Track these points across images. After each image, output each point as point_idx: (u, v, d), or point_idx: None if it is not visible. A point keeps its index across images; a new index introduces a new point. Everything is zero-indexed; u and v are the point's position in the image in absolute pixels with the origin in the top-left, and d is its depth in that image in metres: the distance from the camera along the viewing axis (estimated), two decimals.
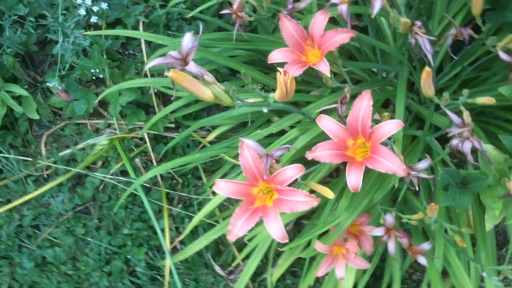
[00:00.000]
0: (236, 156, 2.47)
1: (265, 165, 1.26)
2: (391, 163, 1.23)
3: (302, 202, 1.25)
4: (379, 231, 1.62)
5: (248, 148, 1.30)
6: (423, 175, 1.29)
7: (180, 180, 2.44)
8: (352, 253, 1.79)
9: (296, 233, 2.39)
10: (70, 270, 2.32)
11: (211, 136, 2.46)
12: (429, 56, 1.36)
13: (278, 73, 1.19)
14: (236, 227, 1.27)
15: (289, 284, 2.32)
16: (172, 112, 2.48)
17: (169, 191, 2.38)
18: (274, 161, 1.32)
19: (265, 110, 1.30)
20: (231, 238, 1.27)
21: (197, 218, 2.07)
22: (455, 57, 1.51)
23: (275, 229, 1.26)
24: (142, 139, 2.51)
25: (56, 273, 2.32)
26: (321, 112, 1.49)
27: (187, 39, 1.16)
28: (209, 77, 1.19)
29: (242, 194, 1.33)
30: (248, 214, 1.29)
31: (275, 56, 1.48)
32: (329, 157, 1.29)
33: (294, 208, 1.26)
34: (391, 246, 1.61)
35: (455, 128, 1.30)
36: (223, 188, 1.32)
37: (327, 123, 1.32)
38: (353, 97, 1.57)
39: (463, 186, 1.29)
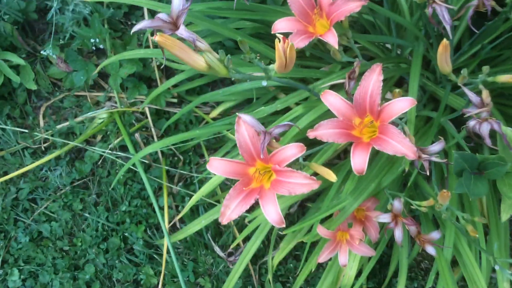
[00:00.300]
0: None
1: (262, 143, 1.16)
2: (400, 145, 1.12)
3: (301, 184, 1.15)
4: (385, 218, 1.51)
5: (245, 124, 1.20)
6: (435, 159, 1.18)
7: (181, 157, 2.35)
8: (356, 239, 1.69)
9: (300, 215, 2.30)
10: (66, 246, 2.27)
11: (215, 113, 2.36)
12: (447, 28, 1.23)
13: (276, 40, 1.08)
14: (230, 209, 1.18)
15: (291, 268, 2.23)
16: (175, 86, 2.39)
17: (169, 169, 2.29)
18: (273, 139, 1.22)
19: (264, 83, 1.19)
20: (223, 220, 1.17)
21: (197, 196, 1.99)
22: (476, 31, 1.37)
23: (272, 213, 1.17)
24: (143, 113, 2.42)
25: (51, 248, 2.26)
26: (328, 89, 1.38)
27: (177, 0, 1.05)
28: (202, 44, 1.08)
29: (238, 173, 1.23)
30: (243, 196, 1.20)
31: (280, 25, 1.37)
32: (333, 136, 1.19)
33: (293, 191, 1.16)
34: (398, 234, 1.51)
35: (472, 108, 1.18)
36: (217, 166, 1.22)
37: (332, 99, 1.21)
38: (363, 73, 1.46)
39: (479, 172, 1.17)
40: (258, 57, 1.12)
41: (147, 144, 2.36)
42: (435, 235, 1.50)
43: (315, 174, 1.33)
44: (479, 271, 1.82)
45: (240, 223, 2.26)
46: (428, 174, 1.20)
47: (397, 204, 1.50)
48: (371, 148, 1.16)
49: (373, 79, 1.17)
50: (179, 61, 2.23)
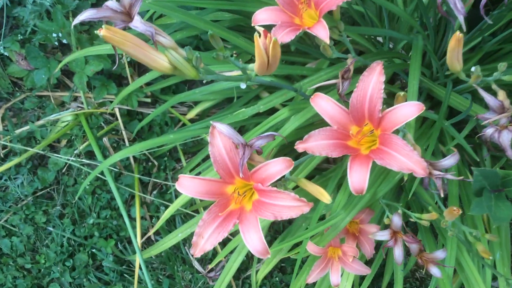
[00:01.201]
0: None
1: (242, 158, 0.97)
2: (406, 159, 0.93)
3: (289, 207, 0.96)
4: (383, 235, 1.34)
5: (221, 136, 1.00)
6: (451, 176, 1.00)
7: (156, 163, 2.15)
8: (349, 256, 1.51)
9: (287, 224, 2.12)
10: (28, 264, 2.05)
11: (192, 113, 2.16)
12: (460, 18, 1.05)
13: (255, 35, 0.88)
14: (203, 239, 0.99)
15: (277, 283, 2.05)
16: (148, 84, 2.18)
17: (142, 177, 2.08)
18: (255, 152, 1.03)
19: (242, 85, 0.99)
20: (196, 253, 0.98)
21: (173, 207, 1.79)
22: (488, 20, 1.19)
23: (254, 241, 0.98)
24: (113, 115, 2.21)
25: (12, 267, 2.04)
26: (316, 90, 1.19)
27: None
28: (165, 39, 0.88)
29: (213, 193, 1.04)
30: (220, 221, 1.01)
31: (261, 16, 1.16)
32: (326, 149, 1.00)
33: (279, 215, 0.97)
34: (398, 253, 1.33)
35: (490, 114, 1.00)
36: (188, 186, 1.02)
37: (323, 104, 1.02)
38: (357, 71, 1.27)
39: (500, 189, 1.00)
40: (235, 54, 0.92)
41: (117, 149, 2.15)
42: (440, 254, 1.32)
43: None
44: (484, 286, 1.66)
45: None
46: (441, 195, 1.02)
47: (397, 220, 1.32)
48: (371, 162, 0.97)
49: (373, 80, 0.98)
50: None
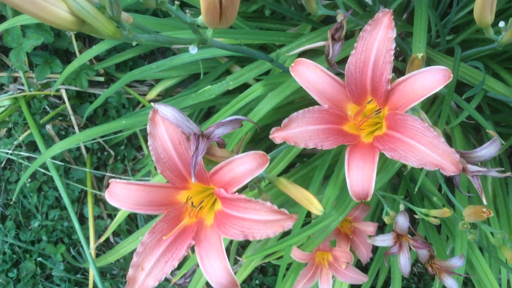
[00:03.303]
0: None
1: (194, 155, 0.67)
2: (430, 150, 0.65)
3: (265, 222, 0.68)
4: (386, 240, 1.06)
5: (165, 123, 0.70)
6: (495, 173, 0.71)
7: (112, 152, 1.84)
8: (342, 262, 1.24)
9: None
10: None
11: (153, 93, 1.85)
12: None
13: None
14: (143, 271, 0.69)
15: (257, 287, 1.78)
16: (101, 60, 1.86)
17: (95, 171, 1.77)
18: (215, 144, 0.73)
19: (192, 50, 0.69)
20: None
21: None
22: None
23: (215, 270, 0.69)
24: (60, 98, 1.88)
25: None
26: (299, 56, 0.89)
27: None
28: None
29: (158, 204, 0.74)
30: (168, 243, 0.71)
31: None
32: (313, 138, 0.71)
33: (250, 233, 0.68)
34: (404, 262, 1.07)
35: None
36: (122, 195, 0.72)
37: (308, 74, 0.73)
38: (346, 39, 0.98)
39: None
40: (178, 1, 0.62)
41: (66, 138, 1.82)
42: (457, 262, 1.06)
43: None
44: None
45: None
46: (483, 200, 0.75)
47: (402, 221, 1.05)
48: (378, 154, 0.69)
49: (379, 37, 0.69)
50: None
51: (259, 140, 1.69)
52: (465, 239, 1.36)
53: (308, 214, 1.68)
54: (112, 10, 0.56)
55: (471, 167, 0.69)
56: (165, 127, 0.70)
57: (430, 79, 0.66)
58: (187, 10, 0.65)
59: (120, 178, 1.60)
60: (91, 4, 0.56)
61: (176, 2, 0.63)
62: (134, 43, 0.65)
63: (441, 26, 1.47)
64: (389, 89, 0.70)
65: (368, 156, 0.68)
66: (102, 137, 1.83)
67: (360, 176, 0.67)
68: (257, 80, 1.45)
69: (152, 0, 0.59)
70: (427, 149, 0.65)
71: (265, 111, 1.16)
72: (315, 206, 0.72)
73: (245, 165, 0.69)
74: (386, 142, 0.69)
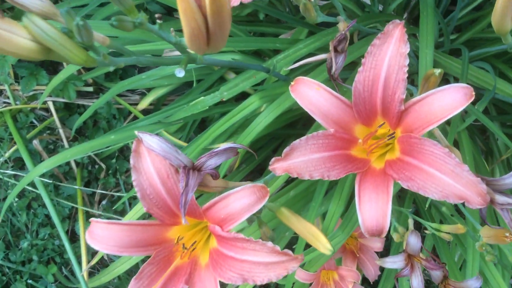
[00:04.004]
0: (177, 131, 1.81)
1: (184, 194, 0.59)
2: (453, 180, 0.57)
3: (266, 264, 0.60)
4: (397, 262, 0.98)
5: (151, 155, 0.62)
6: None
7: (103, 166, 1.76)
8: (349, 282, 1.17)
9: None
10: None
11: (144, 103, 1.76)
12: None
13: None
14: None
15: None
16: (89, 69, 1.78)
17: (84, 188, 1.69)
18: (209, 176, 0.65)
19: (179, 73, 0.61)
20: None
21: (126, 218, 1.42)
22: None
23: None
24: (48, 110, 1.80)
25: None
26: (294, 70, 0.80)
27: None
28: (33, 2, 0.49)
29: (146, 245, 0.66)
30: None
31: None
32: (319, 167, 0.63)
33: (250, 276, 0.61)
34: (417, 284, 0.99)
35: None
36: (104, 237, 0.64)
37: (311, 94, 0.65)
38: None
39: None
40: (159, 20, 0.54)
41: (55, 152, 1.75)
42: (474, 283, 0.98)
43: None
44: None
45: None
46: None
47: (414, 242, 0.97)
48: (392, 183, 0.61)
49: (390, 52, 0.61)
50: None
51: (257, 149, 1.61)
52: (477, 251, 1.29)
53: None
54: (80, 35, 0.48)
55: (500, 198, 0.61)
56: (151, 159, 0.62)
57: (449, 99, 0.58)
58: (171, 29, 0.57)
59: (101, 216, 1.53)
60: (57, 30, 0.48)
61: (158, 21, 0.55)
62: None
63: (445, 25, 1.40)
64: (402, 109, 0.62)
65: (382, 186, 0.60)
66: (93, 151, 1.75)
67: (374, 211, 0.59)
68: (254, 89, 1.37)
69: (128, 23, 0.51)
70: (449, 179, 0.57)
71: (263, 125, 1.08)
72: (323, 244, 0.64)
73: (242, 201, 0.61)
74: (400, 169, 0.61)
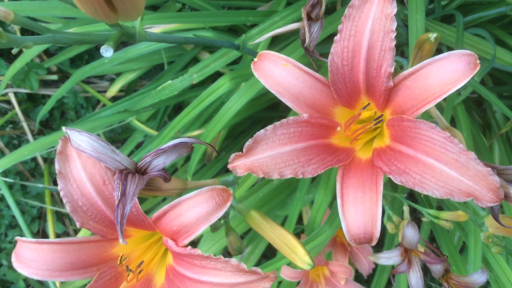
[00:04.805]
0: (150, 119, 1.68)
1: (121, 203, 0.47)
2: (457, 173, 0.45)
3: (230, 286, 0.48)
4: (392, 257, 0.87)
5: (81, 158, 0.50)
6: None
7: None
8: (341, 278, 1.06)
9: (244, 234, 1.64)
10: None
11: (113, 90, 1.63)
12: None
13: None
14: None
15: None
16: (52, 55, 1.64)
17: (52, 187, 1.56)
18: (160, 179, 0.53)
19: (105, 53, 0.49)
20: None
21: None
22: None
23: None
24: (10, 102, 1.66)
25: None
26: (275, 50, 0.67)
27: None
28: None
29: (87, 265, 0.54)
30: None
31: None
32: (290, 163, 0.51)
33: None
34: (415, 281, 0.88)
35: None
36: (32, 260, 0.52)
37: (278, 73, 0.52)
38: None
39: None
40: None
41: (18, 147, 1.61)
42: (479, 277, 0.87)
43: None
44: None
45: None
46: None
47: (411, 234, 0.86)
48: (381, 177, 0.49)
49: (373, 15, 0.48)
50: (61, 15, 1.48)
51: (238, 135, 1.49)
52: (479, 236, 1.19)
53: (300, 219, 1.49)
54: None
55: None
56: (82, 162, 0.50)
57: (450, 70, 0.46)
58: None
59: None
60: None
61: None
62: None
63: None
64: (391, 86, 0.50)
65: (369, 183, 0.49)
66: None
67: (360, 214, 0.47)
68: (230, 67, 1.24)
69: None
70: (452, 171, 0.45)
71: (235, 109, 0.96)
72: (300, 257, 0.52)
73: (198, 208, 0.49)
74: (391, 160, 0.49)
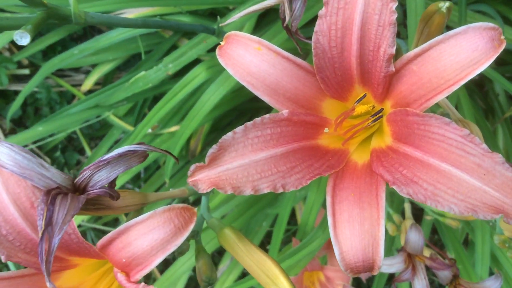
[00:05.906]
0: (128, 114, 1.56)
1: (49, 231, 0.36)
2: (480, 180, 0.35)
3: None
4: (395, 264, 0.78)
5: (3, 176, 0.39)
6: None
7: (48, 159, 1.52)
8: (337, 284, 0.96)
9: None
10: None
11: (88, 83, 1.52)
12: None
13: None
14: None
15: None
16: (20, 48, 1.53)
17: None
18: (107, 197, 0.42)
19: (21, 40, 0.38)
20: None
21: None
22: None
23: None
24: None
25: None
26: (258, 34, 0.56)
27: None
28: None
29: None
30: None
31: None
32: (267, 174, 0.40)
33: None
34: None
35: None
36: None
37: (248, 59, 0.41)
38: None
39: None
40: None
41: None
42: (492, 283, 0.77)
43: None
44: None
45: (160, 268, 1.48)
46: None
47: (415, 239, 0.76)
48: (383, 187, 0.39)
49: None
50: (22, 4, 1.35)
51: (224, 127, 1.38)
52: (487, 231, 1.09)
53: (292, 215, 1.39)
54: None
55: None
56: (3, 180, 0.39)
57: (468, 49, 0.35)
58: None
59: None
60: None
61: None
62: None
63: None
64: (392, 72, 0.39)
65: (368, 195, 0.38)
66: (34, 142, 1.51)
67: (358, 237, 0.37)
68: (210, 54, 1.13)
69: None
70: (474, 180, 0.35)
71: (213, 102, 0.85)
72: (281, 283, 0.41)
73: (152, 235, 0.38)
74: (395, 165, 0.39)
